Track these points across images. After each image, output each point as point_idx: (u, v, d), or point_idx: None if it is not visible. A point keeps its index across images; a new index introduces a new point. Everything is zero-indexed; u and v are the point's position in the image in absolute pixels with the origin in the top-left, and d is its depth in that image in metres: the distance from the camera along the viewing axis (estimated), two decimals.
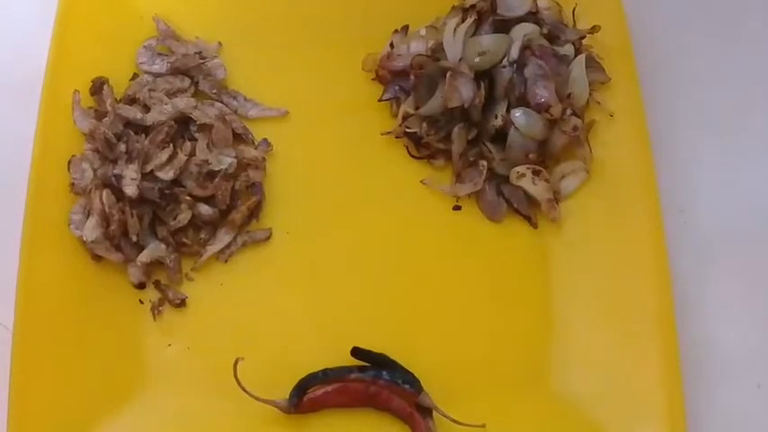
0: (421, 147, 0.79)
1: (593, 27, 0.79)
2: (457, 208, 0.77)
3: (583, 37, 0.80)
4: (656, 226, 0.74)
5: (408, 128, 0.78)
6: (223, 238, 0.75)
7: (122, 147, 0.74)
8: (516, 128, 0.76)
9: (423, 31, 0.80)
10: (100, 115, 0.76)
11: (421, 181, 0.78)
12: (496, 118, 0.77)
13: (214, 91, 0.79)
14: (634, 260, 0.73)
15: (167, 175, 0.74)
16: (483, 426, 0.68)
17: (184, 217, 0.74)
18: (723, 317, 0.75)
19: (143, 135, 0.75)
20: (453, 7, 0.80)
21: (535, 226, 0.77)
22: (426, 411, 0.68)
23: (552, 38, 0.79)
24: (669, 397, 0.68)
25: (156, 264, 0.73)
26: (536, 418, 0.69)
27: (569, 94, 0.78)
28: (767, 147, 0.82)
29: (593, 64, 0.79)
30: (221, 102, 0.79)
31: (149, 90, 0.77)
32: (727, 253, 0.78)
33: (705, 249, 0.78)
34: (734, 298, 0.76)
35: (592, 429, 0.69)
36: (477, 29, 0.78)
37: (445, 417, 0.68)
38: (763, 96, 0.84)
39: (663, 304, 0.71)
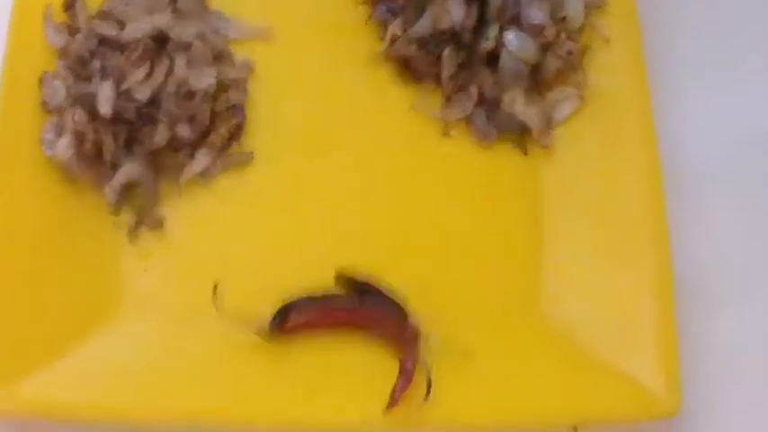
0: (409, 70, 0.76)
1: None
2: (446, 133, 0.75)
3: None
4: (651, 153, 0.71)
5: (396, 50, 0.75)
6: (202, 160, 0.72)
7: (96, 64, 0.71)
8: (508, 51, 0.73)
9: None
10: (73, 31, 0.73)
11: (409, 105, 0.75)
12: (488, 40, 0.74)
13: (193, 8, 0.75)
14: (628, 187, 0.71)
15: (144, 94, 0.70)
16: (471, 349, 0.66)
17: (162, 137, 0.70)
18: (719, 243, 0.73)
19: (118, 53, 0.72)
20: None
21: (526, 152, 0.74)
22: (413, 336, 0.66)
23: None
24: (662, 323, 0.66)
25: (133, 185, 0.71)
26: (525, 344, 0.67)
27: (564, 17, 0.75)
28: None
29: None
30: (201, 20, 0.75)
31: (125, 5, 0.73)
32: (724, 179, 0.76)
33: (701, 176, 0.76)
34: (730, 225, 0.74)
35: (582, 355, 0.66)
36: None
37: (432, 340, 0.66)
38: (764, 21, 0.81)
39: (657, 230, 0.69)
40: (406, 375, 0.64)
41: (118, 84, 0.70)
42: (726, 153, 0.77)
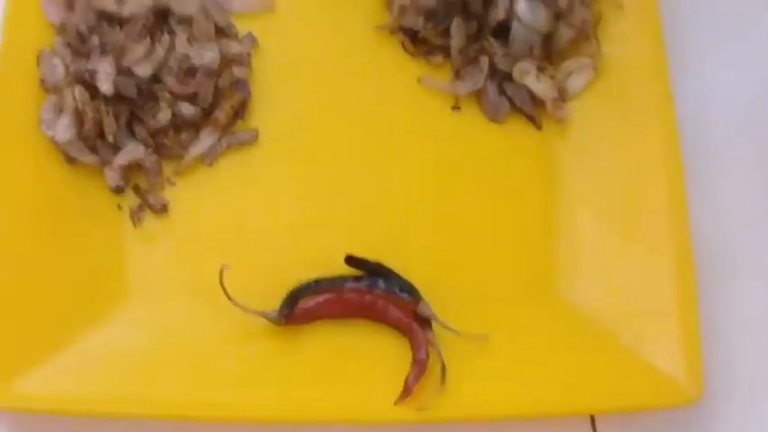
0: (418, 42, 0.74)
1: None
2: (456, 108, 0.73)
3: None
4: (668, 126, 0.70)
5: (404, 22, 0.73)
6: (206, 139, 0.70)
7: (96, 40, 0.69)
8: (520, 20, 0.71)
9: None
10: (71, 6, 0.70)
11: (418, 79, 0.73)
12: (498, 10, 0.72)
13: None
14: (645, 161, 0.69)
15: (145, 70, 0.69)
16: (486, 337, 0.64)
17: (164, 116, 0.69)
18: (738, 214, 0.72)
19: (118, 28, 0.69)
20: None
21: (539, 127, 0.72)
22: (425, 322, 0.65)
23: None
24: (683, 307, 0.65)
25: (135, 167, 0.69)
26: (542, 328, 0.66)
27: None
28: None
29: None
30: None
31: None
32: (742, 150, 0.74)
33: (719, 147, 0.74)
34: (750, 194, 0.73)
35: (599, 341, 0.65)
36: None
37: (445, 327, 0.64)
38: None
39: (675, 205, 0.67)
40: (419, 365, 0.62)
41: (118, 60, 0.68)
42: (746, 120, 0.75)
